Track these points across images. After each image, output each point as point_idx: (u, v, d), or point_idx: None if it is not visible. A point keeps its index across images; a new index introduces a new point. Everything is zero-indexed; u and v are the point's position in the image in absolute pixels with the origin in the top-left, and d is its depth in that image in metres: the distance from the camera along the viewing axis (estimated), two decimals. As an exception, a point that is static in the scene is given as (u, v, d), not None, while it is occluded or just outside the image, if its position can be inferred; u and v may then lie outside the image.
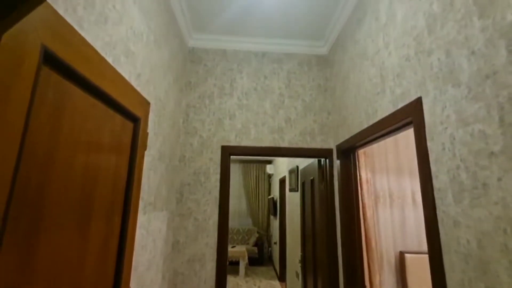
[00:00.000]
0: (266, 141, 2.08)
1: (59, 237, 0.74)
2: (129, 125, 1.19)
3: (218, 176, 2.01)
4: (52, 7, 0.69)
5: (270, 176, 6.98)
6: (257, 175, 7.12)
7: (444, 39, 0.94)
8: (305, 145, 2.08)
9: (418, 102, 1.06)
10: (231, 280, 5.15)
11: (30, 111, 0.63)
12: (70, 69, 0.75)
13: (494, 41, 0.75)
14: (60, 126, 0.74)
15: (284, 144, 2.08)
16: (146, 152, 1.42)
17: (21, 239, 0.61)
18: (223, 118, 2.11)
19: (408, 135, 3.30)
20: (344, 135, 1.85)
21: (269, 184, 7.08)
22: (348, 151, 1.85)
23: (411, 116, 1.11)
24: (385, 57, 1.33)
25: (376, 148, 3.35)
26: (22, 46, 0.59)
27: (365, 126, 1.53)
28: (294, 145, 2.08)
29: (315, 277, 2.30)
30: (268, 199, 6.72)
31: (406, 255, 3.02)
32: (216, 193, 1.99)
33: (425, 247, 3.14)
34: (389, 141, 3.38)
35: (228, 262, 5.90)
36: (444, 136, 0.93)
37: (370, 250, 2.89)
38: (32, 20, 0.62)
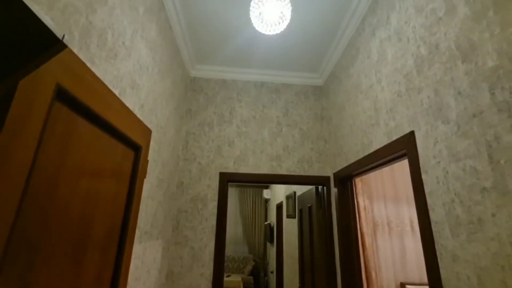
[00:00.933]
0: (264, 168, 2.10)
1: (54, 273, 0.73)
2: (131, 153, 1.21)
3: (216, 203, 1.99)
4: (68, 47, 0.74)
5: (267, 201, 6.89)
6: (254, 200, 7.02)
7: (432, 79, 1.01)
8: (302, 173, 2.10)
9: (411, 136, 1.10)
10: (225, 313, 4.87)
11: (40, 143, 0.65)
12: (80, 103, 0.78)
13: (477, 84, 0.81)
14: (65, 157, 0.76)
15: (282, 171, 2.10)
16: (145, 180, 1.42)
17: (17, 276, 0.61)
18: (222, 145, 2.14)
19: (404, 164, 3.35)
20: (341, 163, 1.88)
21: (266, 209, 6.96)
22: (345, 179, 1.87)
23: (405, 148, 1.15)
24: (378, 91, 1.41)
25: (372, 175, 3.38)
26: (38, 87, 0.63)
27: (361, 156, 1.56)
28: (292, 173, 2.10)
29: (314, 311, 2.20)
30: (265, 225, 6.57)
31: (408, 287, 2.93)
32: (213, 220, 1.96)
33: (426, 279, 3.05)
34: (385, 169, 3.41)
35: (222, 293, 5.56)
36: (437, 169, 0.96)
37: (370, 282, 2.80)
38: (50, 64, 0.66)
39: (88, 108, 0.83)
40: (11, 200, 0.57)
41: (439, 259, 0.93)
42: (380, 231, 3.16)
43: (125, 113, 1.10)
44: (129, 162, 1.20)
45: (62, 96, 0.72)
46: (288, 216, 3.87)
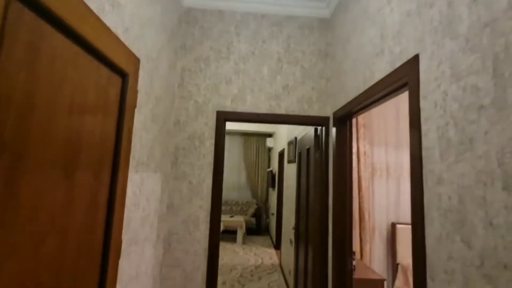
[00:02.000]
0: (263, 108, 2.05)
1: (43, 184, 0.75)
2: (117, 79, 1.17)
3: (213, 141, 2.01)
4: None
5: (270, 149, 7.02)
6: (257, 148, 7.15)
7: (447, -12, 0.87)
8: (302, 113, 2.05)
9: (415, 60, 1.01)
10: (228, 247, 5.40)
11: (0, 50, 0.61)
12: (45, 7, 0.71)
13: (498, -16, 0.69)
14: (38, 70, 0.72)
15: (281, 111, 2.05)
16: (137, 111, 1.40)
17: (3, 182, 0.62)
18: (219, 83, 2.06)
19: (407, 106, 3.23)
20: (341, 102, 1.81)
21: (269, 158, 7.14)
22: (344, 118, 1.82)
23: (406, 76, 1.06)
24: (387, 14, 1.26)
25: (375, 120, 3.31)
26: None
27: (362, 90, 1.48)
28: (290, 112, 2.05)
29: (307, 244, 2.39)
30: (267, 172, 6.82)
31: (398, 225, 3.11)
32: (210, 158, 2.00)
33: (417, 220, 3.21)
34: (390, 113, 3.32)
35: (226, 230, 6.11)
36: (437, 93, 0.90)
37: (363, 222, 2.97)
38: None
39: (57, 16, 0.75)
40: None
41: (424, 183, 0.93)
42: (378, 175, 3.23)
43: (105, 32, 1.02)
44: (116, 88, 1.17)
45: (20, -8, 0.65)
46: (289, 162, 3.95)
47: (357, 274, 2.19)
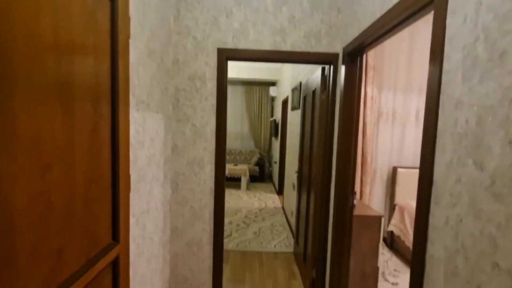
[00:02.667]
0: (266, 44, 1.90)
1: (39, 110, 0.70)
2: (105, 2, 1.04)
3: (215, 82, 1.92)
4: None
5: (273, 98, 6.87)
6: (260, 98, 7.00)
7: None
8: (309, 49, 1.90)
9: (447, -33, 0.86)
10: (233, 193, 5.69)
11: None
12: None
13: None
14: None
15: (286, 47, 1.90)
16: (131, 43, 1.29)
17: None
18: (219, 16, 1.87)
19: (424, 46, 3.00)
20: (353, 34, 1.65)
21: (272, 107, 7.03)
22: (355, 53, 1.69)
23: (434, -11, 0.92)
24: None
25: (387, 62, 3.12)
26: None
27: (378, 16, 1.33)
28: (297, 49, 1.90)
29: (309, 186, 2.47)
30: (270, 122, 6.79)
31: (399, 169, 3.18)
32: (213, 100, 1.94)
33: (418, 164, 3.27)
34: (403, 54, 3.10)
35: (230, 178, 6.36)
36: (469, 5, 0.78)
37: (365, 165, 3.02)
38: None
39: None
40: None
41: (440, 110, 0.88)
42: (383, 120, 3.18)
43: None
44: (105, 13, 1.04)
45: None
46: (292, 109, 3.88)
47: (356, 211, 2.31)
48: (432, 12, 0.97)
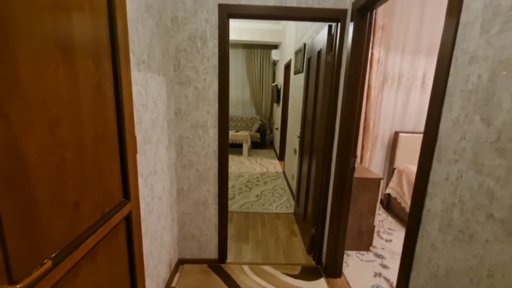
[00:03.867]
0: (270, 0, 1.78)
1: (41, 61, 0.69)
2: None
3: (216, 42, 1.84)
4: None
5: (275, 63, 6.64)
6: (261, 62, 6.77)
7: None
8: (316, 5, 1.78)
9: None
10: (235, 159, 5.79)
11: None
12: None
13: None
14: None
15: (292, 3, 1.78)
16: (127, -4, 1.21)
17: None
18: (219, -33, 1.72)
19: (438, 5, 2.82)
20: (364, -13, 1.54)
21: (274, 72, 6.84)
22: (365, 9, 1.59)
23: None
24: None
25: (397, 22, 2.95)
26: None
27: (393, -36, 1.23)
28: (303, 5, 1.78)
29: (311, 150, 2.50)
30: (272, 87, 6.65)
31: (400, 134, 3.19)
32: (214, 61, 1.88)
33: (420, 129, 3.27)
34: (415, 13, 2.92)
35: (231, 144, 6.42)
36: None
37: (367, 131, 3.02)
38: None
39: None
40: None
41: (452, 66, 0.85)
42: (388, 85, 3.11)
43: None
44: (98, -41, 0.96)
45: None
46: (295, 73, 3.77)
47: (357, 174, 2.37)
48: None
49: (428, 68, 3.06)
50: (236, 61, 6.78)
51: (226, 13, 1.77)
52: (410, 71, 3.08)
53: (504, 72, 0.68)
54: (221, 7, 1.76)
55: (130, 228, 1.22)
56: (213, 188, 2.11)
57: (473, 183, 0.77)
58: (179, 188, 2.10)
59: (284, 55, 5.14)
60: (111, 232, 1.05)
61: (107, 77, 1.04)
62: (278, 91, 5.93)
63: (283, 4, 1.78)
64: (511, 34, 0.67)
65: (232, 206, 3.41)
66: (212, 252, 2.23)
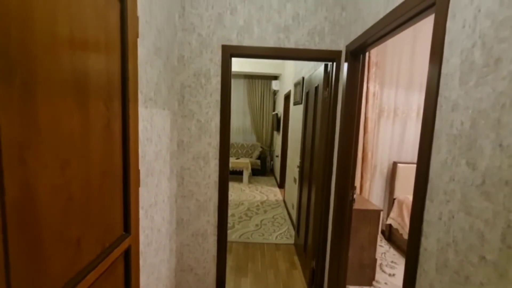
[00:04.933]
0: (271, 41, 1.92)
1: (58, 107, 0.75)
2: (115, 2, 1.07)
3: (219, 79, 1.95)
4: None
5: (275, 92, 6.88)
6: (262, 92, 7.01)
7: None
8: (312, 46, 1.92)
9: (448, -28, 0.89)
10: (235, 186, 5.77)
11: None
12: None
13: None
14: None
15: (290, 45, 1.92)
16: (139, 42, 1.33)
17: (18, 96, 0.62)
18: (223, 13, 1.89)
19: (427, 45, 3.01)
20: (357, 32, 1.68)
21: (274, 101, 7.05)
22: (358, 52, 1.71)
23: (435, -7, 0.95)
24: None
25: (389, 59, 3.13)
26: None
27: (381, 16, 1.36)
28: (300, 46, 1.92)
29: (311, 181, 2.52)
30: (272, 116, 6.82)
31: (399, 165, 3.22)
32: (217, 96, 1.98)
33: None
34: (405, 52, 3.11)
35: (232, 171, 6.43)
36: (468, 10, 0.81)
37: (365, 161, 3.07)
38: None
39: None
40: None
41: (438, 111, 0.92)
42: (384, 117, 3.21)
43: None
44: (115, 13, 1.08)
45: None
46: (295, 104, 3.91)
47: (356, 206, 2.37)
48: (433, 15, 1.00)
49: (422, 101, 3.17)
50: (238, 90, 7.03)
51: (229, 53, 1.90)
52: (405, 104, 3.20)
53: (483, 121, 0.74)
54: (224, 48, 1.90)
55: (129, 263, 1.22)
56: (213, 219, 2.10)
57: (464, 224, 0.80)
58: (179, 218, 2.10)
59: (284, 86, 5.35)
60: (110, 267, 1.06)
61: (116, 116, 1.11)
62: (278, 119, 6.07)
63: (282, 46, 1.92)
64: (486, 88, 0.74)
65: (232, 235, 3.34)
66: (210, 286, 2.16)
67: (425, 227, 0.96)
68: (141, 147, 1.45)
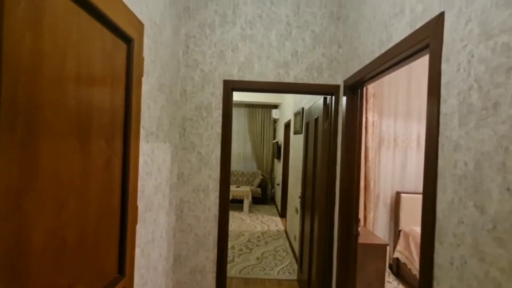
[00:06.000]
0: (270, 76, 1.99)
1: (59, 149, 0.75)
2: (122, 45, 1.12)
3: (220, 112, 1.99)
4: None
5: (275, 120, 6.97)
6: (262, 120, 7.11)
7: None
8: (311, 81, 1.98)
9: (439, 19, 0.94)
10: (236, 215, 5.62)
11: (2, 8, 0.57)
12: (42, -40, 0.65)
13: None
14: (42, 31, 0.68)
15: (289, 79, 1.99)
16: (144, 80, 1.37)
17: (20, 142, 0.62)
18: (225, 51, 1.98)
19: (421, 77, 3.11)
20: (354, 69, 1.74)
21: (274, 129, 7.12)
22: (355, 86, 1.76)
23: (428, 37, 1.00)
24: (409, -32, 1.15)
25: (386, 90, 3.21)
26: None
27: (377, 55, 1.41)
28: (299, 81, 1.98)
29: (313, 212, 2.46)
30: (273, 143, 6.85)
31: (402, 195, 3.16)
32: (218, 128, 2.00)
33: (420, 189, 3.26)
34: (402, 83, 3.21)
35: (232, 200, 6.31)
36: (461, 55, 0.84)
37: (368, 191, 3.02)
38: None
39: (55, -29, 0.70)
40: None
41: (440, 150, 0.92)
42: (385, 146, 3.21)
43: (106, -8, 0.95)
44: (121, 55, 1.13)
45: None
46: (295, 133, 3.94)
47: (361, 239, 2.28)
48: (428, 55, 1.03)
49: (421, 130, 3.21)
50: (239, 118, 7.15)
51: (230, 88, 1.96)
52: (404, 133, 3.22)
53: (487, 164, 0.73)
54: (226, 82, 1.96)
55: (121, 310, 1.14)
56: (212, 254, 2.01)
57: (478, 272, 0.75)
58: (176, 254, 2.01)
59: (284, 114, 5.45)
60: (101, 316, 0.98)
61: (117, 153, 1.11)
62: (279, 147, 6.09)
63: (282, 80, 1.98)
64: (487, 131, 0.74)
65: (231, 270, 3.18)
66: (207, 331, 2.01)
67: (437, 272, 0.91)
68: (140, 181, 1.43)
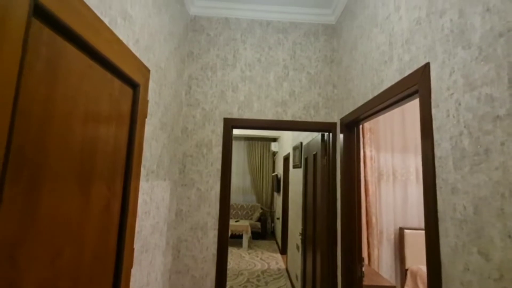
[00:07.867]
0: (269, 114, 2.06)
1: (61, 196, 0.76)
2: (129, 91, 1.19)
3: (220, 148, 2.02)
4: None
5: (274, 153, 7.02)
6: (261, 153, 7.16)
7: (458, -3, 0.87)
8: (308, 119, 2.05)
9: (426, 68, 1.01)
10: (234, 252, 5.38)
11: (22, 65, 0.62)
12: (63, 23, 0.73)
13: (511, -5, 0.69)
14: (55, 86, 0.73)
15: (287, 117, 2.05)
16: (147, 121, 1.42)
17: (22, 192, 0.63)
18: (226, 90, 2.07)
19: (415, 112, 3.22)
20: (349, 108, 1.81)
21: (274, 162, 7.13)
22: (352, 124, 1.82)
23: (417, 84, 1.06)
24: (395, 22, 1.26)
25: (382, 125, 3.29)
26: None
27: (370, 97, 1.48)
28: (297, 119, 2.05)
29: (314, 250, 2.37)
30: (272, 176, 6.81)
31: (406, 231, 3.07)
32: (218, 165, 2.01)
33: (423, 225, 3.17)
34: (396, 118, 3.31)
35: (231, 235, 6.09)
36: (449, 102, 0.89)
37: (370, 226, 2.94)
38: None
39: (73, 32, 0.77)
40: (2, 114, 0.56)
41: (438, 193, 0.92)
42: (384, 180, 3.20)
43: (117, 45, 1.04)
44: (127, 100, 1.18)
45: (40, 12, 0.67)
46: (294, 167, 3.95)
47: (366, 281, 2.17)
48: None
49: (418, 163, 3.22)
50: (238, 151, 7.20)
51: (230, 125, 2.01)
52: (402, 167, 3.23)
53: (486, 209, 0.74)
54: (226, 120, 2.02)
55: None
56: (209, 299, 1.89)
57: (491, 325, 0.72)
58: (171, 299, 1.89)
59: (283, 148, 5.50)
60: None
61: (116, 196, 1.11)
62: (278, 180, 6.05)
63: (280, 118, 2.05)
64: (482, 176, 0.76)
65: (229, 316, 2.96)
66: None
67: (447, 324, 0.86)
68: (138, 221, 1.40)
